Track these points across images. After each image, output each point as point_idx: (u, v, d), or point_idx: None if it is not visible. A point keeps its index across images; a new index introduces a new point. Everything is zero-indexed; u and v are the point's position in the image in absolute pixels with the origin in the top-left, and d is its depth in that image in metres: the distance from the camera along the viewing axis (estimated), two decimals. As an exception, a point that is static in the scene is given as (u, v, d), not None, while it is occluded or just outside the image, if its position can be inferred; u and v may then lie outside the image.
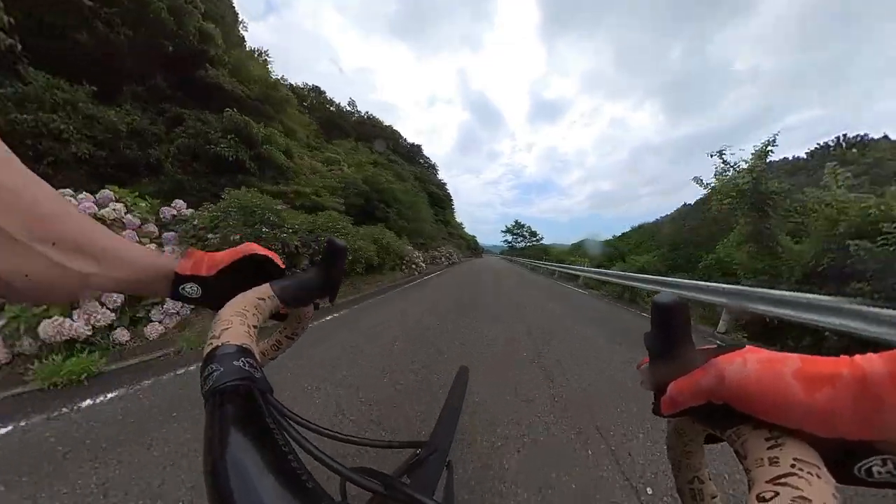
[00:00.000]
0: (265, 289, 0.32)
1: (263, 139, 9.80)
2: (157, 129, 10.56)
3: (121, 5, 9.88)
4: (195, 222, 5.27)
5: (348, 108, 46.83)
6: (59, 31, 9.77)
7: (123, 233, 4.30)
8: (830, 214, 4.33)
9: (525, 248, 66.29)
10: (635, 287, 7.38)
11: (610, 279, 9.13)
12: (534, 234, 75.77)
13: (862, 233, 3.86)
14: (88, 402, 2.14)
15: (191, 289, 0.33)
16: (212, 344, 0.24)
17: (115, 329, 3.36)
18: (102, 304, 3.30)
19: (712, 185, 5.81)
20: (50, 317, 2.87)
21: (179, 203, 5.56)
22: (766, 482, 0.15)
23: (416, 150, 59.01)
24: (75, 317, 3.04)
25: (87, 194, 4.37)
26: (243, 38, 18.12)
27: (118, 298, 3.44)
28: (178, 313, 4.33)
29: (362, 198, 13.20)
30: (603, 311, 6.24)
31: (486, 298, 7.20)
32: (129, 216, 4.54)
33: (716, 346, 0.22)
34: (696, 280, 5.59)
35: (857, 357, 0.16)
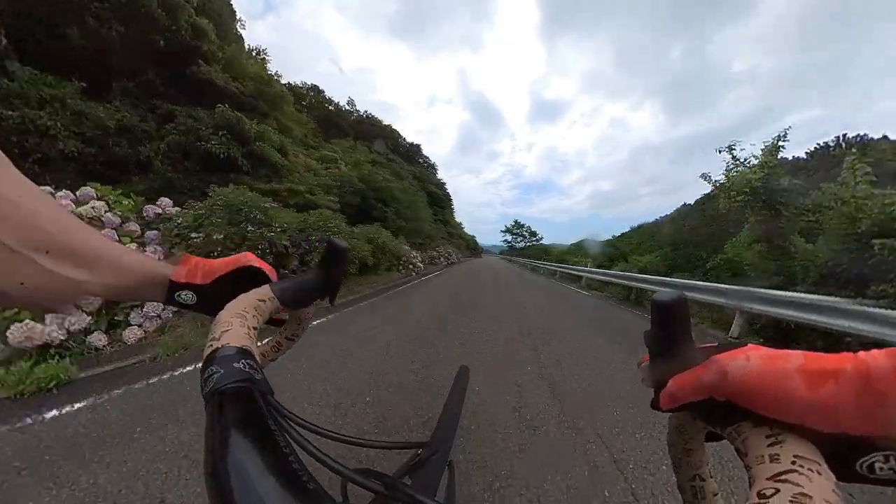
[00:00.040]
0: (265, 290, 0.32)
1: (256, 136, 9.56)
2: (148, 126, 10.34)
3: (111, 0, 9.64)
4: (179, 221, 5.10)
5: (347, 108, 46.71)
6: (49, 26, 9.56)
7: (102, 232, 4.10)
8: (849, 212, 4.09)
9: (525, 248, 65.98)
10: (643, 289, 7.15)
11: (615, 280, 8.82)
12: (533, 233, 75.43)
13: (886, 231, 3.62)
14: (54, 412, 2.04)
15: (186, 296, 0.34)
16: (212, 346, 0.24)
17: (92, 333, 3.24)
18: (78, 307, 3.12)
19: (721, 181, 5.55)
20: (21, 320, 2.72)
21: (165, 201, 5.47)
22: (767, 479, 0.15)
23: (415, 149, 58.88)
24: (48, 320, 2.88)
25: (67, 191, 4.20)
26: (241, 36, 17.95)
27: (95, 301, 3.30)
28: (159, 316, 4.21)
29: (359, 196, 12.98)
30: (608, 314, 6.02)
31: (485, 298, 7.08)
32: (108, 214, 4.42)
33: (716, 344, 0.22)
34: (704, 281, 5.37)
35: (861, 353, 0.16)
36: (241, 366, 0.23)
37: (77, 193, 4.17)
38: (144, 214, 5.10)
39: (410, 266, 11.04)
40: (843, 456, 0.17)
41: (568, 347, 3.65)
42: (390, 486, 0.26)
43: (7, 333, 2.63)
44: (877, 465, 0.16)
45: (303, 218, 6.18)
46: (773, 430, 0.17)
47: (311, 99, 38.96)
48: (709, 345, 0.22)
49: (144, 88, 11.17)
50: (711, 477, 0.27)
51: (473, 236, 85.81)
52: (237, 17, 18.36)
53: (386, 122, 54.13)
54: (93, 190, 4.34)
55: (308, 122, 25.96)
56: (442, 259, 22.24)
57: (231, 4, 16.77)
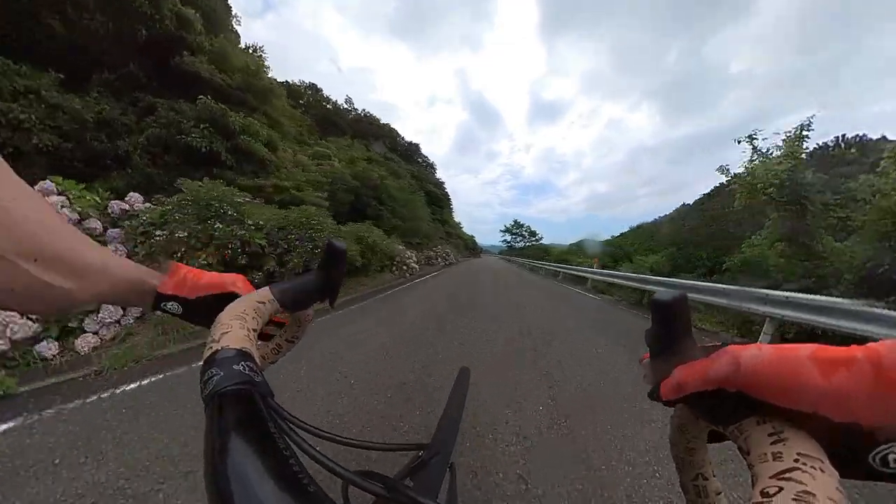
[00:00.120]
0: (265, 292, 0.32)
1: (241, 129, 9.05)
2: (128, 120, 9.88)
3: (89, -15, 9.16)
4: (145, 218, 4.71)
5: (345, 106, 46.25)
6: (26, 15, 9.15)
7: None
8: (889, 205, 3.61)
9: (524, 247, 65.42)
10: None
11: (628, 283, 8.11)
12: (533, 233, 74.67)
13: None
14: (-22, 434, 1.87)
15: (172, 306, 0.34)
16: (211, 348, 0.24)
17: (41, 341, 3.02)
18: (22, 314, 2.86)
19: (741, 173, 5.05)
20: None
21: (135, 197, 5.18)
22: (770, 477, 0.15)
23: (413, 148, 58.51)
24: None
25: (26, 187, 3.85)
26: (236, 32, 17.44)
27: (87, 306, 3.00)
28: (117, 322, 3.82)
29: (352, 194, 12.49)
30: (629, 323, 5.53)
31: (485, 298, 6.77)
32: (65, 210, 4.06)
33: (718, 343, 0.22)
34: (725, 284, 4.87)
35: (872, 343, 0.16)
36: (241, 368, 0.23)
37: (35, 188, 3.93)
38: (109, 211, 4.82)
39: (405, 267, 10.52)
40: (854, 449, 0.16)
41: (594, 367, 3.17)
42: (391, 488, 0.26)
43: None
44: (890, 456, 0.16)
45: (284, 215, 5.68)
46: (776, 427, 0.17)
47: (308, 97, 38.60)
48: (710, 344, 0.22)
49: (126, 80, 10.69)
50: (714, 476, 0.27)
51: (472, 236, 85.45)
52: (233, 13, 17.92)
53: (384, 122, 53.83)
54: (53, 184, 4.12)
55: (305, 120, 25.49)
56: (439, 259, 21.72)
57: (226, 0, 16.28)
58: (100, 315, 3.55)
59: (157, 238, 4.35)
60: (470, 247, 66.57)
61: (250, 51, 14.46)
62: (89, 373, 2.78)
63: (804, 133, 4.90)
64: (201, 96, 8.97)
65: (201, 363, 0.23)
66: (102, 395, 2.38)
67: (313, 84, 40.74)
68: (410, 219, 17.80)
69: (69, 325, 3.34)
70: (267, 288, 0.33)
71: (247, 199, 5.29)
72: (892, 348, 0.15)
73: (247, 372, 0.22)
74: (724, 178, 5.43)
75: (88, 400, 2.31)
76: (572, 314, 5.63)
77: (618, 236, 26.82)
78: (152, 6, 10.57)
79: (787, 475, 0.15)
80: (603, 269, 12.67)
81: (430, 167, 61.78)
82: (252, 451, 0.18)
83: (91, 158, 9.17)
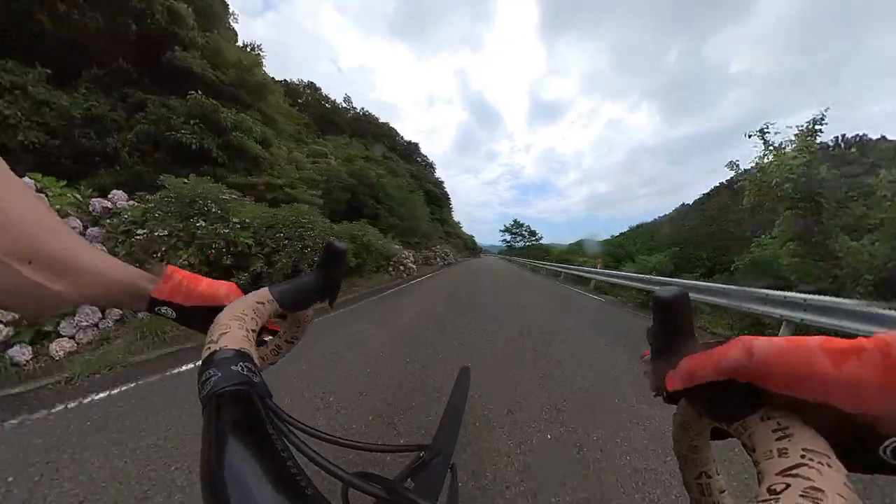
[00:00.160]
0: (264, 293, 0.32)
1: (233, 125, 8.80)
2: (118, 116, 9.64)
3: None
4: (127, 216, 4.51)
5: (344, 105, 46.01)
6: (16, 12, 8.97)
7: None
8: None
9: (525, 247, 65.16)
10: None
11: (636, 284, 7.77)
12: (533, 233, 74.35)
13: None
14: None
15: (166, 311, 0.34)
16: (210, 348, 0.24)
17: (13, 346, 2.90)
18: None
19: (754, 169, 4.82)
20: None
21: (118, 194, 4.96)
22: (777, 474, 0.15)
23: (413, 147, 58.28)
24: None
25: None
26: (234, 30, 17.19)
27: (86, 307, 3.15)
28: (95, 325, 3.61)
29: (348, 192, 12.24)
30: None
31: (484, 298, 6.55)
32: None
33: (723, 340, 0.22)
34: (728, 284, 4.64)
35: (879, 333, 0.16)
36: (240, 368, 0.22)
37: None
38: (91, 209, 4.61)
39: (401, 268, 10.28)
40: (863, 442, 0.16)
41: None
42: (391, 489, 0.25)
43: None
44: None
45: (272, 213, 5.45)
46: (781, 423, 0.17)
47: (307, 96, 38.37)
48: (712, 341, 0.22)
49: (116, 76, 10.44)
50: (718, 474, 0.26)
51: (472, 236, 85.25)
52: (230, 11, 17.67)
53: (383, 121, 53.61)
54: (32, 181, 3.95)
55: (302, 118, 25.21)
56: (438, 259, 21.46)
57: None
58: (76, 318, 3.37)
59: (138, 237, 4.13)
60: (469, 246, 66.36)
61: (248, 49, 14.22)
62: (60, 380, 2.63)
63: (817, 128, 4.68)
64: (192, 92, 8.72)
65: (199, 363, 0.23)
66: (70, 405, 2.24)
67: (312, 83, 40.57)
68: (408, 218, 17.61)
69: (44, 328, 3.14)
70: (266, 288, 0.32)
71: (234, 197, 5.06)
72: None
73: (245, 373, 0.22)
74: (726, 177, 5.21)
75: (54, 410, 2.18)
76: (573, 316, 5.46)
77: (617, 236, 26.59)
78: (143, 1, 10.34)
79: (793, 471, 0.15)
80: (605, 269, 12.40)
81: (430, 166, 61.57)
82: (250, 453, 0.18)
83: (79, 155, 8.95)
